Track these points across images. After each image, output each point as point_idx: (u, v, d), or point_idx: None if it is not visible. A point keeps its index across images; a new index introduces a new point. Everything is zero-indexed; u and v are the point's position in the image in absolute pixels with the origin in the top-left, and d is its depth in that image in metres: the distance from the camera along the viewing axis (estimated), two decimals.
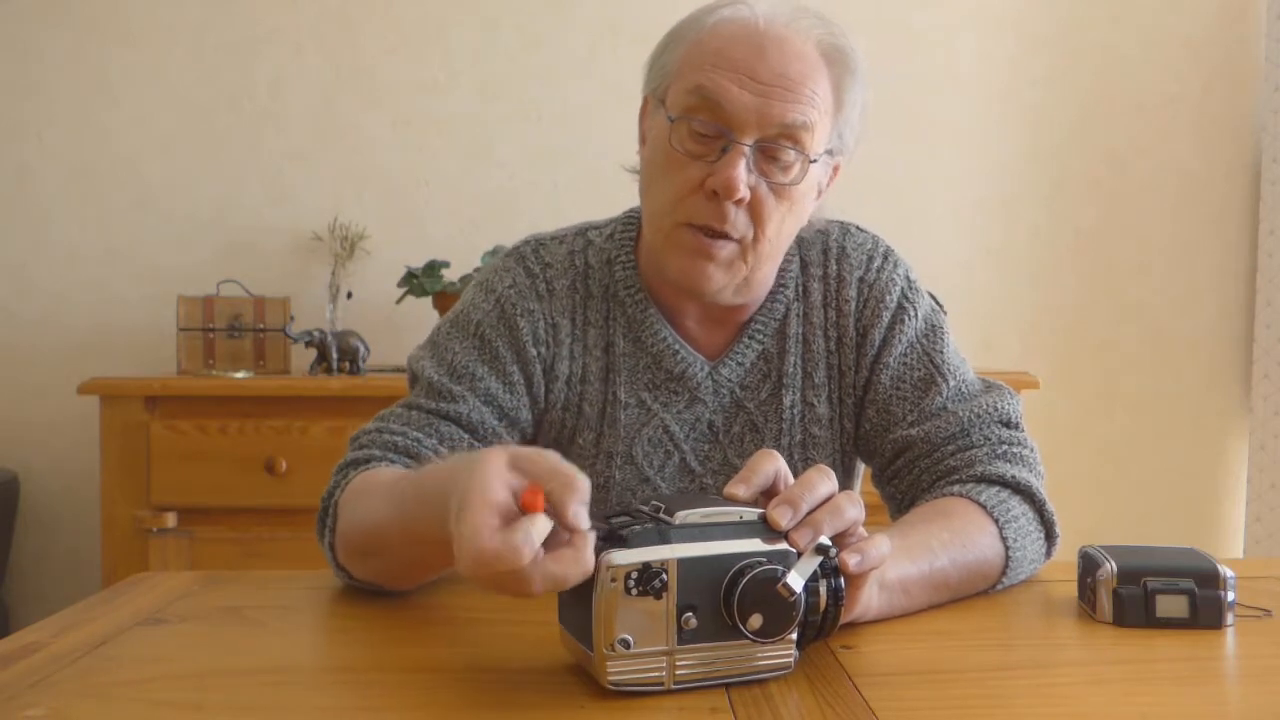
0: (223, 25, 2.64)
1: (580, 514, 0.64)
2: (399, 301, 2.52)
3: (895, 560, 0.83)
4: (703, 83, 0.98)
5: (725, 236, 1.00)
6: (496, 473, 0.67)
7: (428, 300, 2.51)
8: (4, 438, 2.61)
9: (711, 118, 0.98)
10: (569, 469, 0.66)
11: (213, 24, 2.64)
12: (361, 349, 2.39)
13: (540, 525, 0.64)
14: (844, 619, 0.75)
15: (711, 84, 0.98)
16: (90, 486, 2.39)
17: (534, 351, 1.08)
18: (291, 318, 2.43)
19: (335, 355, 2.37)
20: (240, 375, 2.35)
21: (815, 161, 1.01)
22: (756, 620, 0.66)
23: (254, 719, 0.66)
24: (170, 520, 2.16)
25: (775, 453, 0.75)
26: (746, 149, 0.98)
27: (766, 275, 1.08)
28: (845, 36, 1.03)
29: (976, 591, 0.93)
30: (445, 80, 2.67)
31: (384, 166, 2.67)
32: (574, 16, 2.66)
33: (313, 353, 2.42)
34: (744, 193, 0.98)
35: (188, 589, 0.95)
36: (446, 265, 2.47)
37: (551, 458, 0.68)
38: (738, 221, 1.00)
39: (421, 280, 2.46)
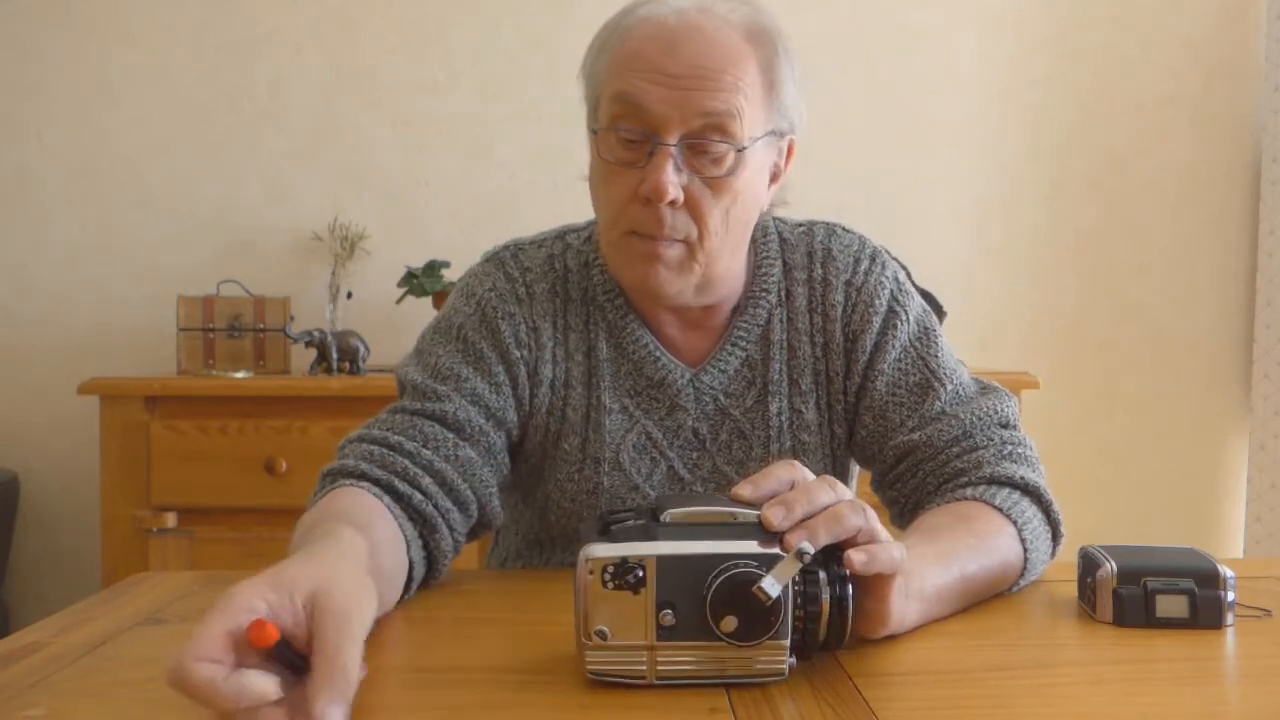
0: (223, 25, 2.64)
1: (328, 714, 0.56)
2: (399, 301, 2.52)
3: (930, 569, 0.82)
4: (622, 89, 0.97)
5: (668, 239, 0.99)
6: (276, 593, 0.60)
7: (428, 300, 2.51)
8: (4, 438, 2.61)
9: (635, 123, 0.98)
10: (343, 662, 0.57)
11: (213, 24, 2.64)
12: (361, 349, 2.39)
13: (259, 687, 0.57)
14: (881, 632, 0.75)
15: (630, 88, 0.97)
16: (90, 486, 2.39)
17: (517, 353, 1.07)
18: (291, 318, 2.43)
19: (335, 355, 2.37)
20: (240, 375, 2.35)
21: (745, 149, 0.98)
22: (730, 622, 0.66)
23: None
24: (170, 520, 2.16)
25: (796, 463, 0.74)
26: (673, 149, 0.96)
27: (726, 270, 1.06)
28: (766, 13, 1.01)
29: (997, 593, 0.92)
30: (445, 80, 2.67)
31: (384, 166, 2.67)
32: (574, 16, 2.66)
33: (313, 353, 2.42)
34: (675, 194, 0.96)
35: (188, 589, 0.95)
36: (446, 265, 2.47)
37: (338, 638, 0.58)
38: (676, 223, 0.98)
39: (421, 280, 2.46)
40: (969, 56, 2.73)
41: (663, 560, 0.66)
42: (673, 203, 0.97)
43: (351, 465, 0.97)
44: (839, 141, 2.64)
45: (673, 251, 1.00)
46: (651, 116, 0.96)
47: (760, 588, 0.65)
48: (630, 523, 0.68)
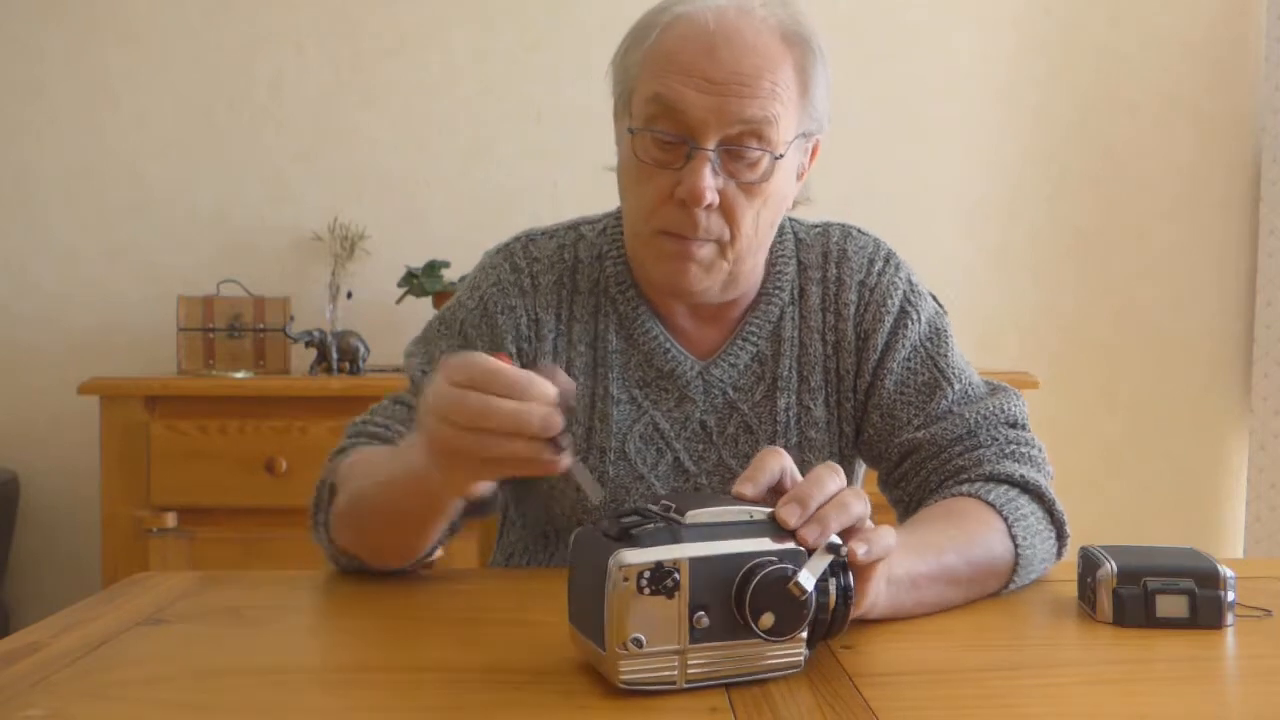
0: (223, 25, 2.64)
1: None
2: (399, 301, 2.52)
3: (902, 556, 0.83)
4: (659, 90, 0.98)
5: (701, 239, 1.00)
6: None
7: (428, 300, 2.51)
8: (4, 438, 2.61)
9: (671, 126, 0.98)
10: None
11: (213, 24, 2.64)
12: (361, 349, 2.39)
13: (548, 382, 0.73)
14: (852, 614, 0.75)
15: (667, 90, 0.97)
16: (90, 486, 2.39)
17: (513, 349, 1.09)
18: (291, 318, 2.43)
19: (335, 355, 2.37)
20: (240, 375, 2.35)
21: (781, 157, 1.00)
22: (768, 619, 0.67)
23: (254, 719, 0.66)
24: (170, 520, 2.16)
25: (781, 450, 0.75)
26: (710, 153, 0.97)
27: (752, 268, 1.08)
28: (801, 15, 1.02)
29: (990, 591, 0.92)
30: (445, 80, 2.67)
31: (384, 166, 2.67)
32: (574, 17, 2.66)
33: (313, 353, 2.42)
34: (711, 198, 0.97)
35: (188, 589, 0.95)
36: (446, 265, 2.47)
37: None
38: (710, 225, 1.00)
39: (421, 280, 2.46)
40: (969, 56, 2.73)
41: (695, 563, 0.65)
42: (708, 206, 0.98)
43: (365, 443, 1.03)
44: (838, 142, 2.62)
45: (704, 251, 1.01)
46: (689, 121, 0.97)
47: (797, 583, 0.66)
48: (649, 526, 0.67)
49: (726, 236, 1.01)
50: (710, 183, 0.97)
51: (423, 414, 0.79)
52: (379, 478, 0.92)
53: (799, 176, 1.08)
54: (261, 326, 2.42)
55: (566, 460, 0.75)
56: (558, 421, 0.73)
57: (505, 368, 0.74)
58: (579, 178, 2.63)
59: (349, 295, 2.56)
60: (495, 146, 2.67)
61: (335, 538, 0.98)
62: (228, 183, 2.65)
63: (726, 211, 1.00)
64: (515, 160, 2.67)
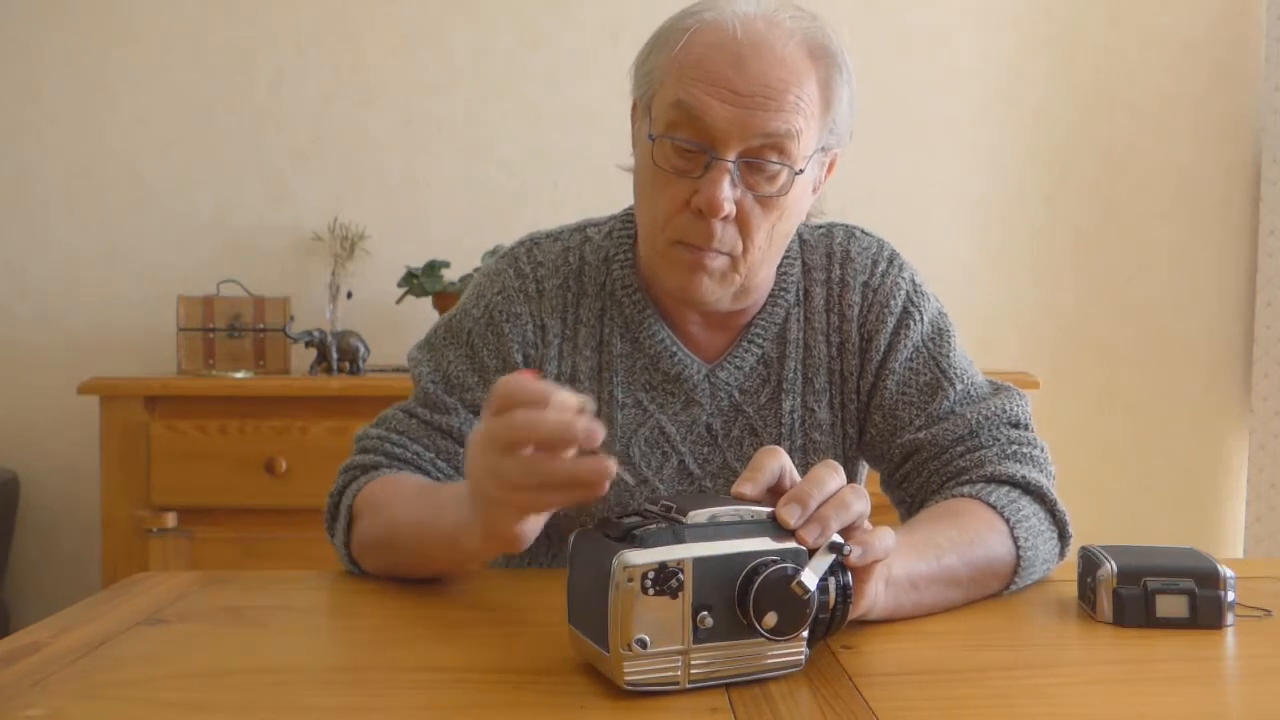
0: (223, 25, 2.64)
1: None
2: (399, 301, 2.52)
3: (902, 556, 0.83)
4: (682, 97, 0.97)
5: (715, 250, 1.00)
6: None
7: (428, 300, 2.51)
8: (4, 438, 2.61)
9: (693, 134, 0.97)
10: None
11: (213, 24, 2.64)
12: (361, 349, 2.39)
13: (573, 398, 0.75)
14: (851, 614, 0.75)
15: (691, 98, 0.96)
16: (90, 486, 2.39)
17: (519, 357, 1.09)
18: (291, 318, 2.43)
19: (335, 355, 2.37)
20: (240, 375, 2.35)
21: (801, 172, 0.99)
22: (772, 619, 0.67)
23: (254, 719, 0.66)
24: (170, 520, 2.16)
25: (779, 449, 0.75)
26: (730, 165, 0.97)
27: (765, 278, 1.08)
28: (828, 28, 1.01)
29: (991, 592, 0.92)
30: (445, 80, 2.67)
31: (384, 166, 2.67)
32: (574, 17, 2.66)
33: (313, 353, 2.42)
34: (729, 210, 0.97)
35: (188, 589, 0.95)
36: (446, 265, 2.47)
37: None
38: (725, 237, 0.99)
39: (421, 280, 2.46)
40: (969, 56, 2.73)
41: (699, 563, 0.66)
42: (724, 217, 0.98)
43: (386, 463, 1.04)
44: None
45: (717, 263, 1.01)
46: (712, 131, 0.96)
47: (800, 582, 0.66)
48: (652, 526, 0.67)
49: (739, 249, 1.00)
50: (728, 194, 0.96)
51: (475, 442, 0.78)
52: (411, 525, 0.93)
53: (814, 190, 1.07)
54: (261, 326, 2.42)
55: (612, 471, 0.74)
56: (600, 431, 0.73)
57: (547, 386, 0.74)
58: (579, 178, 2.63)
59: (349, 295, 2.56)
60: (495, 146, 2.68)
61: (358, 560, 1.01)
62: (227, 183, 2.65)
63: (742, 223, 0.99)
64: (515, 160, 2.67)
